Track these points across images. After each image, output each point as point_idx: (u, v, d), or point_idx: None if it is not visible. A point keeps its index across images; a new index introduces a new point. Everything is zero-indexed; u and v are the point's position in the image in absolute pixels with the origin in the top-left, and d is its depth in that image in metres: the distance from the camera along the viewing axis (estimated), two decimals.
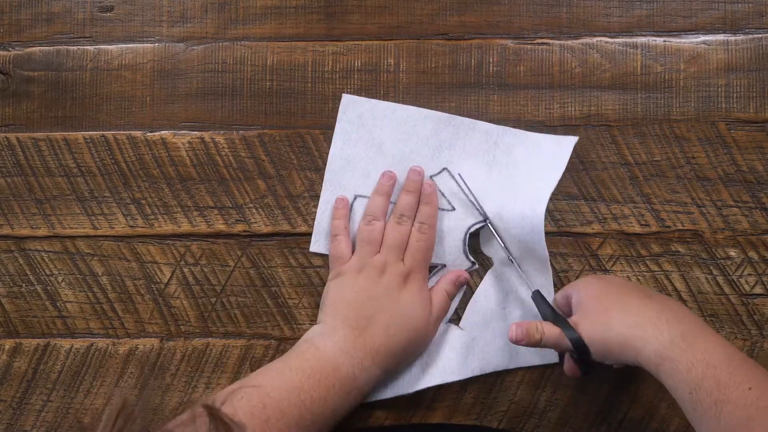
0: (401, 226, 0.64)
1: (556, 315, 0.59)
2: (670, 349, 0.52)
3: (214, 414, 0.42)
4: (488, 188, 0.66)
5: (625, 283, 0.61)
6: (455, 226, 0.67)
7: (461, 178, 0.66)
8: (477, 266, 0.66)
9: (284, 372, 0.59)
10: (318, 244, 0.67)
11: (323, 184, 0.67)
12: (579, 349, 0.56)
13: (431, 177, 0.67)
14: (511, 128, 0.67)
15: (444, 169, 0.67)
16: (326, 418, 0.59)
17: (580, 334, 0.56)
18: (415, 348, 0.64)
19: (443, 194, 0.67)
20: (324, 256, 0.67)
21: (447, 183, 0.66)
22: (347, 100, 0.68)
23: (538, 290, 0.62)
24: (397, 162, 0.67)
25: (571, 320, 0.58)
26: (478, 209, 0.65)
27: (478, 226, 0.66)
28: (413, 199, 0.65)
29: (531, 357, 0.65)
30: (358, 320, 0.62)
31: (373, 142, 0.67)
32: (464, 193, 0.66)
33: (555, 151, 0.67)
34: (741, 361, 0.51)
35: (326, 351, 0.61)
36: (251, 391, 0.57)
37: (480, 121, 0.67)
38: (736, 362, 0.51)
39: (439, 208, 0.67)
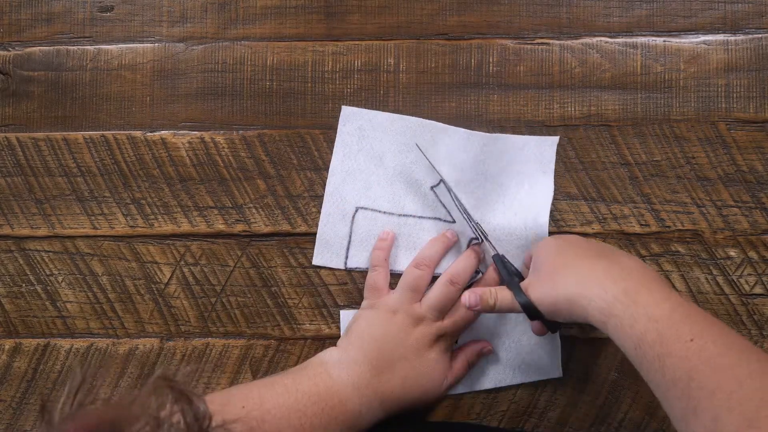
0: (450, 290, 0.63)
1: (511, 279, 0.60)
2: (613, 305, 0.51)
3: (173, 386, 0.41)
4: (488, 201, 0.66)
5: (582, 242, 0.60)
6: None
7: (454, 193, 0.66)
8: (481, 275, 0.66)
9: (291, 392, 0.58)
10: (321, 257, 0.67)
11: (325, 197, 0.67)
12: (528, 311, 0.56)
13: (431, 188, 0.67)
14: (500, 134, 0.67)
15: (441, 180, 0.67)
16: None
17: (530, 296, 0.56)
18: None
19: (443, 205, 0.67)
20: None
21: (446, 194, 0.66)
22: (347, 112, 0.68)
23: (498, 254, 0.63)
24: (397, 174, 0.67)
25: (525, 282, 0.58)
26: (468, 224, 0.65)
27: (476, 242, 0.66)
28: (471, 265, 0.64)
29: (531, 374, 0.65)
30: (379, 361, 0.61)
31: (374, 154, 0.67)
32: (457, 207, 0.65)
33: (540, 155, 0.67)
34: (685, 313, 0.50)
35: (339, 382, 0.60)
36: (252, 404, 0.56)
37: (475, 132, 0.67)
38: (679, 315, 0.50)
39: (439, 219, 0.67)
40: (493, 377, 0.66)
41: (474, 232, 0.65)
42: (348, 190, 0.67)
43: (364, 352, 0.61)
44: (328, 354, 0.63)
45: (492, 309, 0.58)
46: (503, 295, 0.58)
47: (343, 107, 0.68)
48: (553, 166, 0.67)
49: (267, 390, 0.59)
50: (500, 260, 0.63)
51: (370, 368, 0.60)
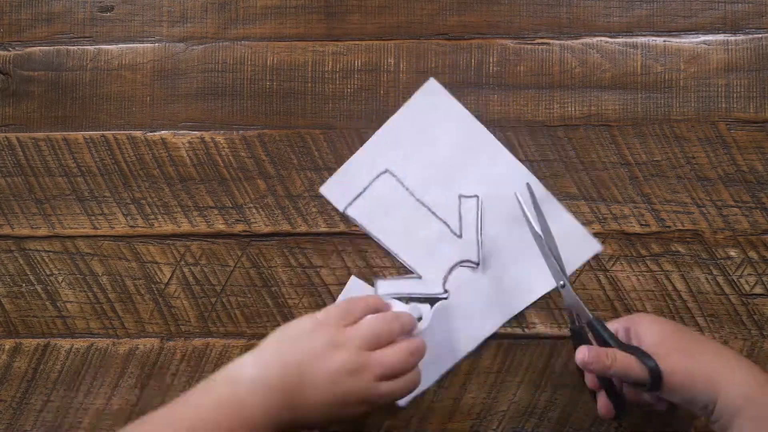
0: (407, 360, 0.57)
1: (625, 345, 0.57)
2: (759, 392, 0.52)
3: None
4: (511, 245, 0.66)
5: (687, 328, 0.62)
6: (451, 253, 0.66)
7: (481, 216, 0.66)
8: (447, 297, 0.64)
9: (197, 425, 0.52)
10: (328, 189, 0.67)
11: (368, 142, 0.67)
12: (654, 378, 0.54)
13: (460, 196, 0.67)
14: (550, 195, 0.66)
15: (476, 196, 0.67)
16: None
17: (658, 364, 0.54)
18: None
19: (460, 217, 0.67)
20: (325, 256, 0.67)
21: (470, 210, 0.66)
22: (432, 86, 0.68)
23: (599, 318, 0.59)
24: (438, 164, 0.67)
25: (647, 350, 0.55)
26: (477, 249, 0.66)
27: (468, 266, 0.66)
28: (424, 349, 0.59)
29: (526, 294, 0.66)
30: (292, 378, 0.54)
31: (432, 135, 0.67)
32: (477, 228, 0.66)
33: (579, 247, 0.66)
34: None
35: (249, 408, 0.53)
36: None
37: (533, 177, 0.67)
38: None
39: (447, 226, 0.67)
40: (479, 326, 0.66)
41: (476, 264, 0.65)
42: (389, 149, 0.68)
43: (281, 375, 0.54)
44: (241, 368, 0.55)
45: (607, 370, 0.54)
46: (622, 357, 0.55)
47: (431, 79, 0.68)
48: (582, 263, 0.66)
49: (178, 409, 0.53)
50: (601, 324, 0.58)
51: (285, 394, 0.54)
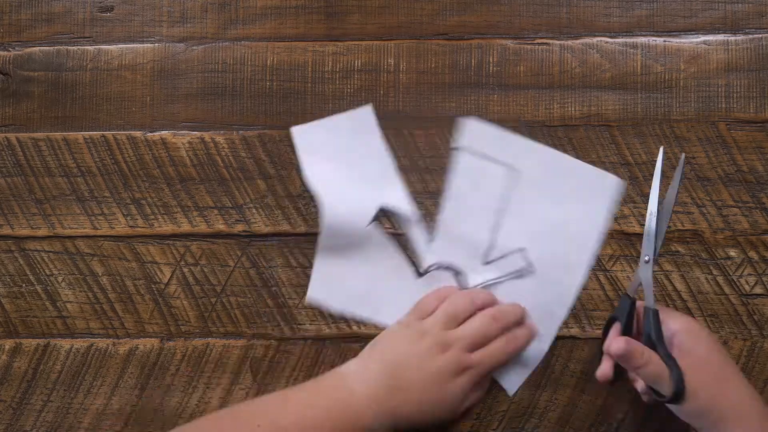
0: (490, 324, 0.62)
1: (664, 348, 0.56)
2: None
3: None
4: (536, 222, 0.66)
5: (714, 337, 0.61)
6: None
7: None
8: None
9: (306, 407, 0.58)
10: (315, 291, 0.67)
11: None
12: (676, 396, 0.54)
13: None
14: (556, 152, 0.66)
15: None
16: None
17: (686, 381, 0.54)
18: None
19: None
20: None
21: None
22: (471, 125, 0.67)
23: (657, 310, 0.58)
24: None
25: (681, 363, 0.55)
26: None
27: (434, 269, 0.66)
28: (514, 314, 0.63)
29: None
30: (398, 380, 0.59)
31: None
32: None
33: (602, 190, 0.66)
34: None
35: (356, 395, 0.59)
36: (267, 422, 0.56)
37: (543, 147, 0.67)
38: None
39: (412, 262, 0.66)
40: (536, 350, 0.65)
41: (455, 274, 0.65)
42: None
43: (384, 368, 0.60)
44: (347, 366, 0.61)
45: (636, 368, 0.54)
46: (657, 362, 0.54)
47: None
48: (610, 209, 0.66)
49: (281, 406, 0.58)
50: (657, 319, 0.57)
51: (387, 386, 0.59)
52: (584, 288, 0.66)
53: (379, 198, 0.67)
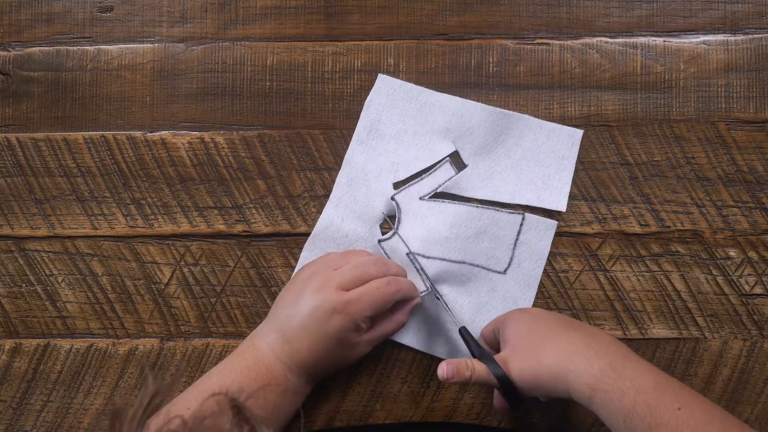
0: (369, 267, 0.62)
1: (482, 351, 0.59)
2: (601, 379, 0.53)
3: (239, 408, 0.43)
4: (503, 179, 0.67)
5: (550, 315, 0.61)
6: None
7: (420, 264, 0.65)
8: (426, 291, 0.65)
9: (225, 373, 0.60)
10: (311, 247, 0.67)
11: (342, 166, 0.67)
12: (504, 385, 0.56)
13: (380, 241, 0.66)
14: (523, 115, 0.67)
15: (409, 253, 0.66)
16: (269, 414, 0.59)
17: (509, 371, 0.56)
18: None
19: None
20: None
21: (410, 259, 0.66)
22: (384, 81, 0.68)
23: (464, 327, 0.62)
24: (407, 146, 0.67)
25: (501, 356, 0.57)
26: (423, 279, 0.65)
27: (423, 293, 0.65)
28: (396, 265, 0.64)
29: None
30: (286, 330, 0.61)
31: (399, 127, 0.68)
32: (420, 273, 0.65)
33: (564, 144, 0.67)
34: (667, 383, 0.53)
35: (261, 350, 0.61)
36: (195, 403, 0.57)
37: (498, 109, 0.67)
38: (664, 385, 0.52)
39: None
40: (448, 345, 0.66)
41: (433, 291, 0.65)
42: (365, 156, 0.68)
43: (276, 322, 0.62)
44: (258, 328, 0.63)
45: (468, 381, 0.57)
46: (480, 367, 0.57)
47: (380, 75, 0.68)
48: (575, 160, 0.66)
49: (204, 383, 0.60)
50: (467, 332, 0.62)
51: (281, 336, 0.61)
52: (581, 287, 0.66)
53: (387, 206, 0.67)
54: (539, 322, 0.59)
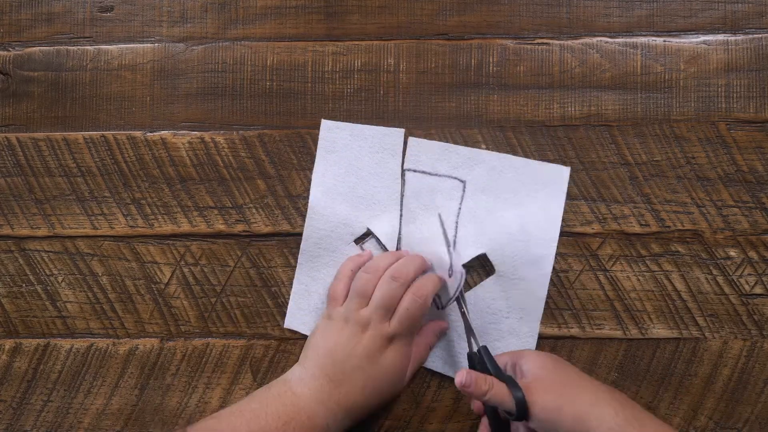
0: (392, 286, 0.63)
1: (503, 374, 0.59)
2: (625, 428, 0.55)
3: None
4: (495, 219, 0.66)
5: (570, 364, 0.62)
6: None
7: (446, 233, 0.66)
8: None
9: (260, 416, 0.59)
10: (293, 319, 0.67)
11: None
12: (520, 409, 0.56)
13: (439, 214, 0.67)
14: (509, 156, 0.67)
15: (438, 214, 0.67)
16: None
17: (532, 400, 0.56)
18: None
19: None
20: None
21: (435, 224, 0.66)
22: (327, 124, 0.68)
23: (485, 346, 0.62)
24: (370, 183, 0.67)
25: (524, 383, 0.58)
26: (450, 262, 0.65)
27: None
28: (412, 265, 0.64)
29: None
30: (335, 373, 0.61)
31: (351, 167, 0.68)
32: (447, 241, 0.66)
33: (551, 181, 0.66)
34: None
35: (303, 398, 0.60)
36: None
37: (488, 152, 0.67)
38: None
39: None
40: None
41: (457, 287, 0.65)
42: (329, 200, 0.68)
43: (320, 366, 0.62)
44: (290, 372, 0.63)
45: (483, 395, 0.57)
46: (499, 385, 0.57)
47: (323, 121, 0.68)
48: (563, 199, 0.66)
49: (236, 418, 0.59)
50: (488, 353, 0.61)
51: (328, 381, 0.61)
52: (581, 287, 0.66)
53: (372, 220, 0.67)
54: (564, 364, 0.61)
